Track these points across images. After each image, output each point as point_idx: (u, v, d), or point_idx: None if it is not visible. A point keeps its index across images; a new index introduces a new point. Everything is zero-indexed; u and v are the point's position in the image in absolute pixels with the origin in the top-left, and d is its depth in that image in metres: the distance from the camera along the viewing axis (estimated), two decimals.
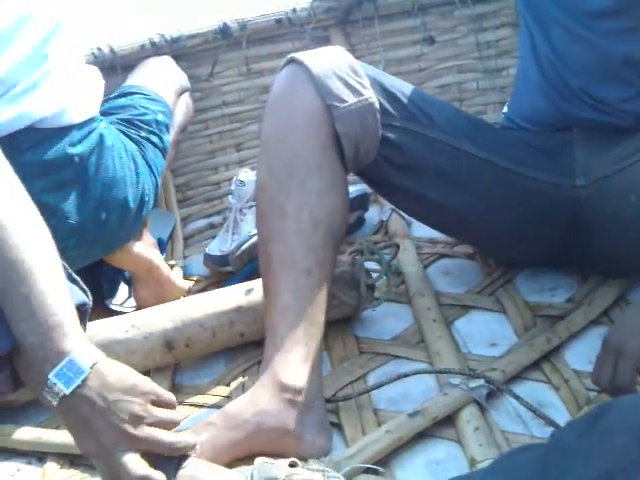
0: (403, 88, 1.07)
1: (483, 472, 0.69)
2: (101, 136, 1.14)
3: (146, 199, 1.21)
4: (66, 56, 1.12)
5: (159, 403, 0.73)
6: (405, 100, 1.06)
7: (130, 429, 0.69)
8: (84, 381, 0.68)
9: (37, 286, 0.69)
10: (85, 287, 0.90)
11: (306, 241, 0.95)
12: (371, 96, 1.01)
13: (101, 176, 1.13)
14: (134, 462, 0.69)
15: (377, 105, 1.01)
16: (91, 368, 0.69)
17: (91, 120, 1.13)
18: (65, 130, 1.08)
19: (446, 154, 1.07)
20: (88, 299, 0.88)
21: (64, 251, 0.77)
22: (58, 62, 1.09)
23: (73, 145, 1.09)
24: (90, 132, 1.12)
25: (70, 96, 1.10)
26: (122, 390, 0.70)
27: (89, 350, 0.70)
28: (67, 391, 0.67)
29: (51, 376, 0.67)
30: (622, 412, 0.59)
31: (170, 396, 0.75)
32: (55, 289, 0.71)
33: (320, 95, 0.97)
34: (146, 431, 0.70)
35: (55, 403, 0.68)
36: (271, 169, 0.98)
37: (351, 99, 0.99)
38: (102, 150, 1.13)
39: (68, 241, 1.06)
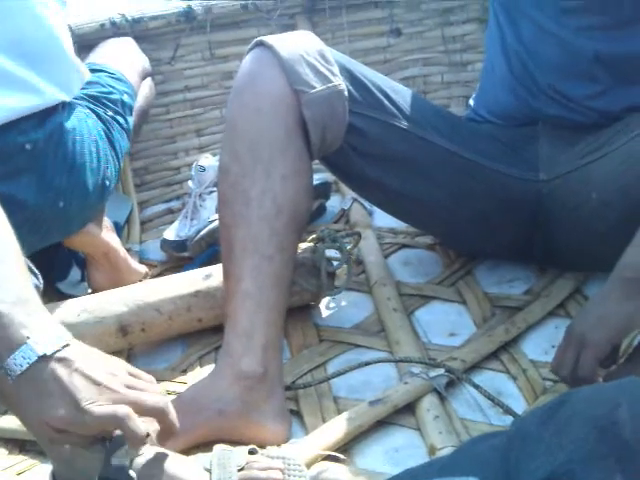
0: (372, 77, 1.06)
1: (444, 460, 0.68)
2: (60, 122, 1.09)
3: (107, 184, 1.18)
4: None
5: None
6: (373, 89, 1.05)
7: (108, 381, 0.66)
8: (64, 346, 0.66)
9: (3, 261, 0.67)
10: (35, 270, 0.88)
11: (269, 227, 0.93)
12: (340, 83, 1.00)
13: (59, 163, 1.09)
14: (114, 408, 0.65)
15: (346, 92, 1.00)
16: (71, 339, 0.67)
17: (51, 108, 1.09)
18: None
19: (412, 144, 1.06)
20: (39, 282, 0.86)
21: (18, 237, 0.73)
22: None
23: (22, 133, 1.05)
24: (47, 118, 1.08)
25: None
26: (100, 356, 0.68)
27: (62, 326, 0.68)
28: (50, 350, 0.64)
29: (32, 335, 0.64)
30: (582, 402, 0.59)
31: (149, 376, 0.72)
32: (20, 265, 0.69)
33: (288, 80, 0.96)
34: (123, 388, 0.67)
35: (24, 368, 0.64)
36: (235, 153, 0.96)
37: (319, 85, 0.98)
38: (62, 135, 1.09)
39: (22, 228, 1.01)
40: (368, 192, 1.19)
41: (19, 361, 0.64)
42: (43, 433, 0.66)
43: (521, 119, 1.15)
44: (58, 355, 0.65)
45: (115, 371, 0.68)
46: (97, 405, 0.65)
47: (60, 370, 0.64)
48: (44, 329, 0.65)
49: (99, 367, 0.67)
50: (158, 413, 0.68)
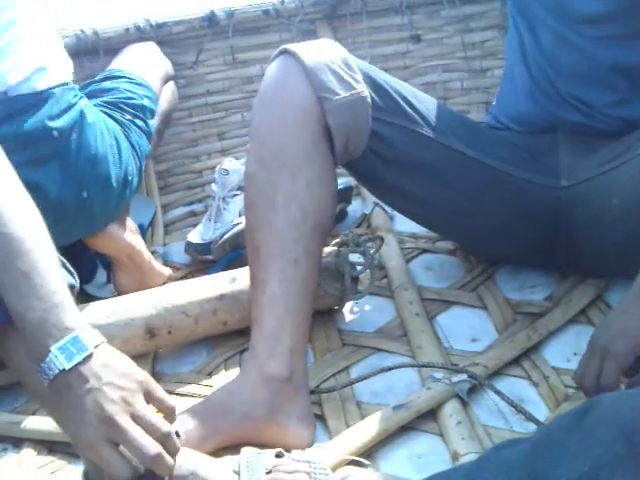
0: (395, 84, 1.08)
1: (469, 466, 0.69)
2: (82, 112, 1.12)
3: (129, 179, 1.20)
4: (35, 21, 1.09)
5: (155, 402, 0.70)
6: (396, 96, 1.06)
7: (113, 411, 0.65)
8: (85, 359, 0.66)
9: (37, 264, 0.68)
10: (72, 269, 0.89)
11: (295, 232, 0.95)
12: (363, 90, 1.01)
13: (83, 153, 1.11)
14: (112, 453, 0.65)
15: (369, 100, 1.01)
16: (95, 348, 0.67)
17: (68, 90, 1.11)
18: (42, 100, 1.06)
19: (434, 151, 1.08)
20: (75, 281, 0.87)
21: None
22: (27, 27, 1.06)
23: (52, 119, 1.07)
24: (70, 107, 1.10)
25: (42, 60, 1.07)
26: (118, 374, 0.67)
27: (93, 332, 0.69)
28: (68, 365, 0.65)
29: (54, 349, 0.65)
30: (608, 408, 0.59)
31: (169, 401, 0.71)
32: (53, 268, 0.70)
33: (312, 88, 0.97)
34: (126, 421, 0.65)
35: (49, 380, 0.66)
36: (261, 160, 0.98)
37: (343, 92, 0.99)
38: (83, 126, 1.11)
39: (47, 218, 1.03)
40: (390, 198, 1.20)
41: (46, 371, 0.66)
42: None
43: (541, 126, 1.16)
44: (79, 368, 0.66)
45: (129, 396, 0.66)
46: (103, 439, 0.65)
47: (75, 388, 0.65)
48: (69, 338, 0.66)
49: (114, 388, 0.66)
50: (141, 459, 0.66)
